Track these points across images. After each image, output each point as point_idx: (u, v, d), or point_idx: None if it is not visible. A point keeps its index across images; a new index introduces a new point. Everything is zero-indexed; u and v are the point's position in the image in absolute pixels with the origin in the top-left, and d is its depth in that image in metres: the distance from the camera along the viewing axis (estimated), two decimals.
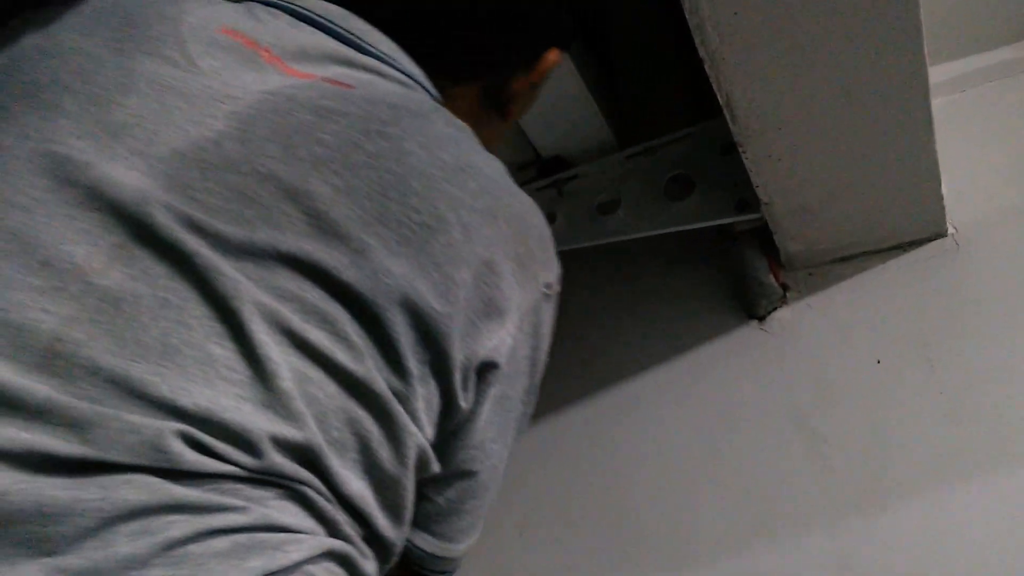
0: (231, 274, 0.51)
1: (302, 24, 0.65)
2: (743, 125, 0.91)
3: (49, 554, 0.44)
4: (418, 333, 0.56)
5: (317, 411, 0.52)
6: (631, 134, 1.24)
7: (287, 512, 0.51)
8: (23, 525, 0.44)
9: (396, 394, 0.55)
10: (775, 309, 1.18)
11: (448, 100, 0.70)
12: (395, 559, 0.62)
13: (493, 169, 0.62)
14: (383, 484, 0.57)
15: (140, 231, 0.51)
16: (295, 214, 0.54)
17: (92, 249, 0.50)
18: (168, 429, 0.47)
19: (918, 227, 1.11)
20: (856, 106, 0.89)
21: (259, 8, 0.66)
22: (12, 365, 0.47)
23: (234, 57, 0.60)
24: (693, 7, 0.76)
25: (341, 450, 0.54)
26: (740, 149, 0.95)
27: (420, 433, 0.57)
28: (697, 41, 0.80)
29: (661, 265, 1.28)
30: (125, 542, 0.45)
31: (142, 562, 0.44)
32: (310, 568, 0.50)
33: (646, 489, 1.17)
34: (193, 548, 0.46)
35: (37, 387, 0.46)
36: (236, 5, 0.65)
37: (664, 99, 1.24)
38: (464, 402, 0.60)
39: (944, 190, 1.06)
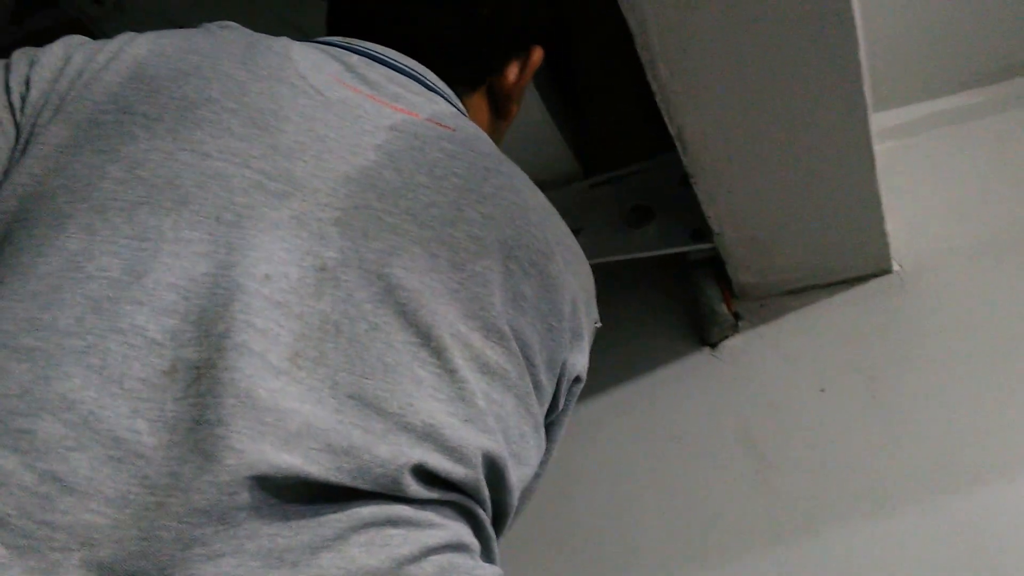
0: (429, 304, 0.55)
1: (376, 64, 0.68)
2: (694, 157, 0.96)
3: (295, 564, 0.46)
4: (547, 349, 0.62)
5: (503, 426, 0.57)
6: (596, 163, 1.29)
7: (467, 533, 0.55)
8: (267, 538, 0.46)
9: (540, 404, 0.62)
10: (727, 337, 1.23)
11: (471, 112, 0.76)
12: None
13: None
14: (525, 489, 0.63)
15: (345, 256, 0.54)
16: (461, 237, 0.58)
17: (300, 270, 0.53)
18: (406, 466, 0.51)
19: (864, 263, 1.16)
20: (802, 143, 0.94)
21: (328, 50, 0.68)
22: (264, 367, 0.49)
23: (349, 94, 0.63)
24: (644, 44, 0.81)
25: (515, 462, 0.59)
26: (692, 180, 1.00)
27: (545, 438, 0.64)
28: (649, 75, 0.85)
29: (620, 290, 1.33)
30: (360, 553, 0.48)
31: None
32: None
33: (596, 507, 1.20)
34: (412, 569, 0.49)
35: (292, 404, 0.49)
36: (312, 48, 0.68)
37: (629, 130, 1.29)
38: (561, 405, 0.67)
39: (890, 229, 1.11)
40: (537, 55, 0.82)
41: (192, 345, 0.49)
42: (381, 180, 0.58)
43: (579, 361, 0.67)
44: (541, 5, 0.83)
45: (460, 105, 0.73)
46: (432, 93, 0.69)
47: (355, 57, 0.67)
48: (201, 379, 0.48)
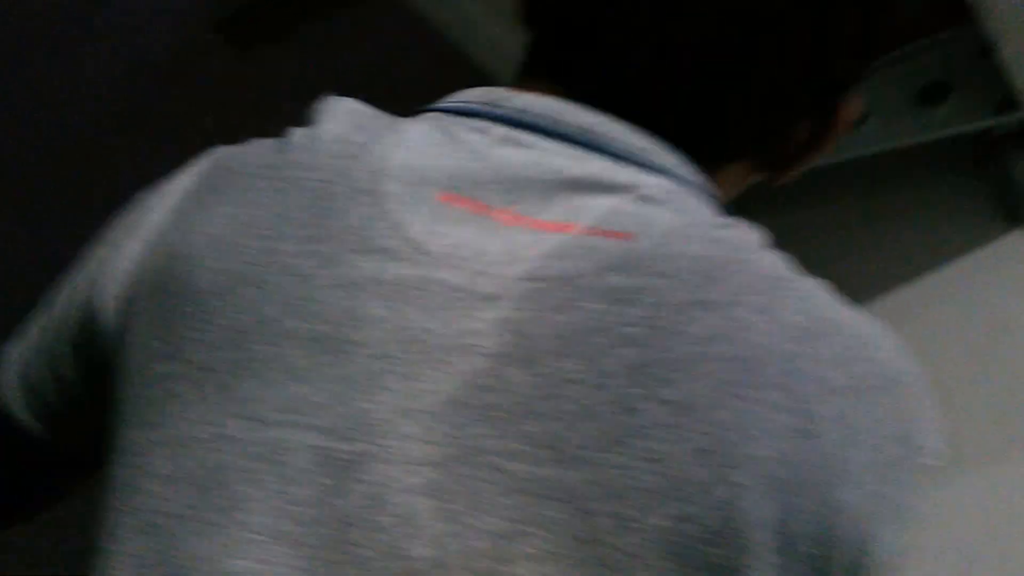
0: None
1: (522, 132, 0.48)
2: (995, 21, 0.90)
3: None
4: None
5: None
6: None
7: None
8: None
9: None
10: None
11: (719, 179, 0.52)
12: None
13: (835, 303, 0.44)
14: None
15: (444, 550, 0.39)
16: (634, 465, 0.38)
17: None
18: None
19: None
20: None
21: (458, 125, 0.49)
22: None
23: (467, 229, 0.44)
24: None
25: None
26: (995, 48, 0.94)
27: None
28: None
29: (917, 176, 1.26)
30: None
31: None
32: None
33: None
34: None
35: None
36: (432, 133, 0.48)
37: (914, 5, 1.22)
38: None
39: None
40: (847, 112, 0.55)
41: None
42: (502, 389, 0.40)
43: None
44: (868, 33, 0.53)
45: (683, 172, 0.48)
46: (622, 164, 0.46)
47: (501, 130, 0.48)
48: None
